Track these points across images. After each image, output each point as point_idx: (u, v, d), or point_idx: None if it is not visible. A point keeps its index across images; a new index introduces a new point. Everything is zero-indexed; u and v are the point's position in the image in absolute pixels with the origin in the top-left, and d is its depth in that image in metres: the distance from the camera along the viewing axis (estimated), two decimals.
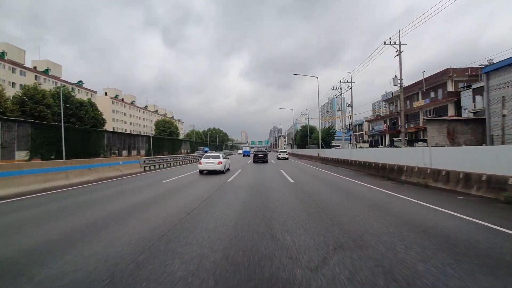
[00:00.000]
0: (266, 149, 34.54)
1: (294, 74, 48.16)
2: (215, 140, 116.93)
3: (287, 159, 33.21)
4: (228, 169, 16.79)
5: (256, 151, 29.59)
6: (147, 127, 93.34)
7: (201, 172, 15.03)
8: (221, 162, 14.66)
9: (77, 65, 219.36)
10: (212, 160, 14.76)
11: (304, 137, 60.84)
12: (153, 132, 73.15)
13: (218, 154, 16.07)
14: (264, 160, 26.22)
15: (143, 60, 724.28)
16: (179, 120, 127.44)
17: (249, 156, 49.00)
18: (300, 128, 69.84)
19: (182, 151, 67.55)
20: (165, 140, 59.43)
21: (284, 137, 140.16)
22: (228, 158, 17.99)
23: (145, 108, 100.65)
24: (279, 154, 35.29)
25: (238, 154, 64.44)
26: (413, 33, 46.09)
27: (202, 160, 15.07)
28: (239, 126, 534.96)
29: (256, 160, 26.34)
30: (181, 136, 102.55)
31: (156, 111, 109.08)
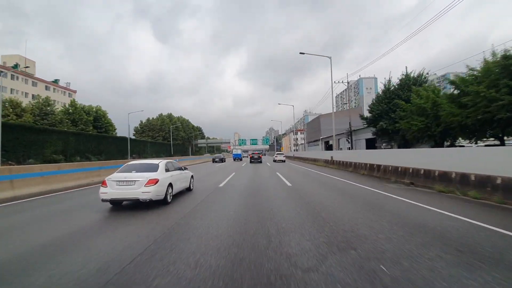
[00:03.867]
0: (261, 152, 39.38)
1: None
2: (167, 136, 66.85)
3: (284, 161, 34.01)
4: (189, 189, 9.80)
5: (253, 153, 34.70)
6: None
7: (113, 203, 7.01)
8: (156, 181, 6.75)
9: (64, 61, 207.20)
10: (136, 178, 6.69)
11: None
12: None
13: (154, 162, 7.78)
14: (259, 160, 32.37)
15: (134, 56, 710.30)
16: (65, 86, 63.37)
17: (241, 159, 43.01)
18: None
19: None
20: None
21: (295, 134, 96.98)
22: (186, 168, 9.91)
23: None
24: (275, 156, 36.41)
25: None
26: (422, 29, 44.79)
27: (111, 177, 6.82)
28: (234, 128, 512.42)
29: (252, 161, 31.99)
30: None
31: None
